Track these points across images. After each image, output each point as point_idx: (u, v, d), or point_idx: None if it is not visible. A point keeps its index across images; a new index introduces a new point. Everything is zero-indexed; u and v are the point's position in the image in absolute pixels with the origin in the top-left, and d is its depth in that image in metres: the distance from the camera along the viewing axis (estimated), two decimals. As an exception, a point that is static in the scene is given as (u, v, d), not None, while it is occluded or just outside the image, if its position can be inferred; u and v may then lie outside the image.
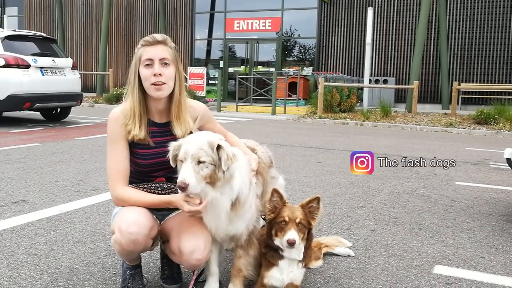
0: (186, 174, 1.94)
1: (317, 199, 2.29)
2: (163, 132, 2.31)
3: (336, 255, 2.97)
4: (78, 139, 7.79)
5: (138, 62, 2.22)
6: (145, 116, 2.26)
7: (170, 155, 2.07)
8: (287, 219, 2.19)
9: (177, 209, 2.37)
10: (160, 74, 2.18)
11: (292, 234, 2.15)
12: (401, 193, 4.68)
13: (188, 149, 1.99)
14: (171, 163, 2.08)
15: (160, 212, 2.36)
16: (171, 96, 2.28)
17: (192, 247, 2.12)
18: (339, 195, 4.54)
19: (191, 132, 2.35)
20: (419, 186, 5.02)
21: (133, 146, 2.26)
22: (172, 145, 2.09)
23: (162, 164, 2.28)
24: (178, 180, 1.94)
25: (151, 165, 2.27)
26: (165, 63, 2.21)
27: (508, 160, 4.04)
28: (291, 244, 2.14)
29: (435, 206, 4.23)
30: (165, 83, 2.20)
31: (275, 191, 2.26)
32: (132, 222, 2.08)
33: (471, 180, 5.40)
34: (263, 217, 2.40)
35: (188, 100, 2.37)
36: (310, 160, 6.48)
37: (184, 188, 1.93)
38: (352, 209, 4.07)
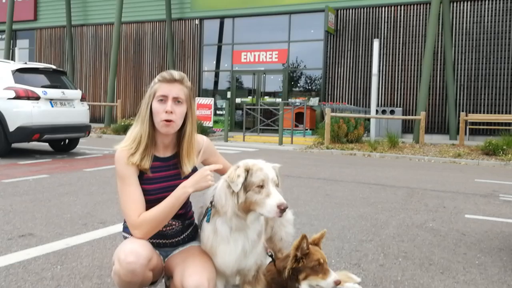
0: (281, 196, 2.02)
1: (324, 233, 2.38)
2: (166, 166, 2.32)
3: (345, 291, 2.91)
4: (86, 171, 7.82)
5: (152, 96, 2.25)
6: (151, 148, 2.28)
7: (241, 179, 2.03)
8: (321, 261, 2.23)
9: (180, 245, 2.38)
10: (171, 112, 2.21)
11: (335, 275, 2.21)
12: (410, 226, 4.63)
13: (268, 174, 2.05)
14: (239, 188, 2.03)
15: (163, 249, 2.34)
16: (179, 132, 2.31)
17: (195, 284, 2.08)
18: (347, 228, 4.49)
19: (194, 167, 2.36)
20: (428, 219, 4.96)
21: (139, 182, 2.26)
22: (242, 170, 2.06)
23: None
24: (278, 203, 1.98)
25: (155, 200, 2.24)
26: (178, 101, 2.25)
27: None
28: (338, 284, 2.20)
29: (445, 240, 4.17)
30: (174, 121, 2.23)
31: (304, 237, 2.27)
32: (130, 252, 2.07)
33: (480, 213, 5.34)
34: (269, 254, 2.38)
35: None
36: (318, 192, 6.44)
37: (284, 209, 1.99)
38: (360, 242, 4.02)
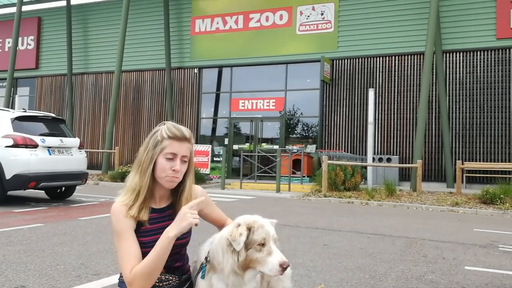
0: (282, 254, 2.02)
1: None
2: (162, 217, 2.31)
3: None
4: (81, 219, 7.74)
5: (159, 151, 2.23)
6: (149, 200, 2.28)
7: (244, 237, 2.02)
8: None
9: None
10: (178, 171, 2.23)
11: None
12: (409, 279, 4.56)
13: (269, 231, 2.05)
14: (241, 247, 2.02)
15: None
16: (178, 185, 2.32)
17: None
18: (345, 281, 4.42)
19: None
20: (428, 271, 4.89)
21: (136, 235, 2.24)
22: (244, 228, 2.04)
23: None
24: (280, 262, 1.98)
25: None
26: (184, 161, 2.27)
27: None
28: None
29: (445, 293, 4.10)
30: (178, 178, 2.25)
31: None
32: None
33: (480, 265, 5.27)
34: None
35: None
36: (316, 242, 6.37)
37: (286, 268, 1.99)
38: (359, 296, 3.95)
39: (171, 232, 2.11)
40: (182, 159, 2.25)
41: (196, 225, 2.12)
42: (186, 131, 2.29)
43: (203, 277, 2.15)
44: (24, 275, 4.25)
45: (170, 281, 2.29)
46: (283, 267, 1.96)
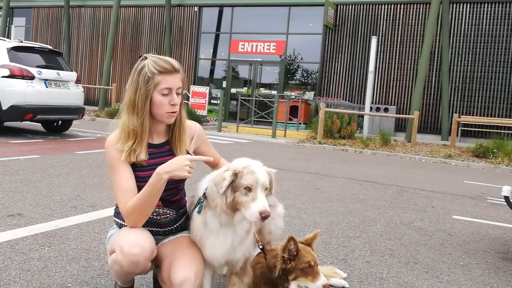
0: (266, 203, 2.00)
1: (317, 234, 2.45)
2: (160, 152, 2.30)
3: (331, 285, 2.94)
4: (78, 153, 7.79)
5: (153, 88, 2.18)
6: (146, 139, 2.27)
7: (226, 182, 2.02)
8: (312, 263, 2.24)
9: (171, 234, 2.37)
10: (177, 104, 2.22)
11: (324, 278, 2.23)
12: (398, 225, 4.67)
13: (259, 178, 2.03)
14: (222, 191, 2.03)
15: (155, 237, 2.33)
16: None
17: (182, 278, 2.08)
18: (335, 224, 4.53)
19: (187, 152, 2.35)
20: (416, 218, 5.01)
21: (132, 169, 2.25)
22: (229, 174, 2.04)
23: None
24: (260, 210, 1.96)
25: None
26: (179, 93, 2.24)
27: (506, 198, 4.04)
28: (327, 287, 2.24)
29: (431, 240, 4.22)
30: (177, 111, 2.25)
31: (291, 239, 2.27)
32: (134, 243, 2.06)
33: (468, 215, 5.40)
34: (260, 247, 2.39)
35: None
36: (308, 186, 6.47)
37: (266, 217, 1.98)
38: (348, 238, 4.06)
39: (164, 175, 2.07)
40: (177, 91, 2.23)
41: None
42: (174, 62, 2.24)
43: (199, 212, 2.18)
44: (21, 204, 4.32)
45: (168, 215, 2.33)
46: (262, 216, 1.97)
